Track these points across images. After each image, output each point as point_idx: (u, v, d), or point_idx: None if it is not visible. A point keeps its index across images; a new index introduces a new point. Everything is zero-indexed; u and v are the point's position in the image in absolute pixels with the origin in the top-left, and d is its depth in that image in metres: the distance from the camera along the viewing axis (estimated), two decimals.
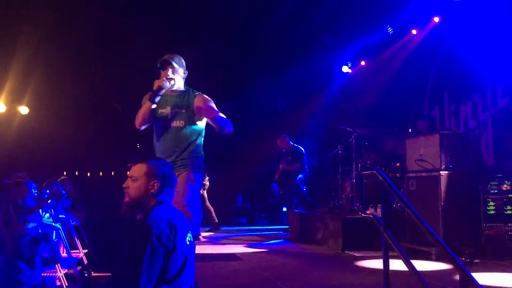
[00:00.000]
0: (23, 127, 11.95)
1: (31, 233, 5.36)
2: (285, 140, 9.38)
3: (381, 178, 3.78)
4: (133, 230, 2.49)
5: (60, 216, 9.34)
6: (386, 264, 3.61)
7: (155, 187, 2.58)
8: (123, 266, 2.41)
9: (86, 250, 8.38)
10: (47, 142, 13.09)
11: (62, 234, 8.28)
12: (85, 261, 7.20)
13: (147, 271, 2.34)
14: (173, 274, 2.45)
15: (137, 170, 2.60)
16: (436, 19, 8.58)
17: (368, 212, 6.68)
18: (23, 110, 11.81)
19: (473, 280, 2.64)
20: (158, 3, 10.19)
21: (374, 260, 5.67)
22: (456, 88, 8.17)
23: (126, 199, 2.60)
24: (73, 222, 10.21)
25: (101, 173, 17.33)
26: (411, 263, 3.31)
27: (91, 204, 13.03)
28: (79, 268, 7.12)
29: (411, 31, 9.23)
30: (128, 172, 2.66)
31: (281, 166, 9.32)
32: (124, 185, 2.62)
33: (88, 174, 17.00)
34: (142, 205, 2.57)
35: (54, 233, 8.31)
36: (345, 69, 11.15)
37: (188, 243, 2.56)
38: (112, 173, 17.29)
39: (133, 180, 2.59)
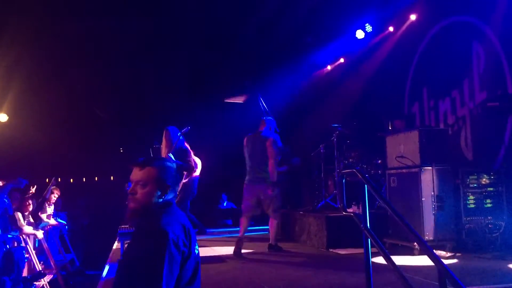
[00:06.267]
0: (2, 134, 11.78)
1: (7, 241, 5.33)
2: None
3: (360, 177, 3.81)
4: (148, 237, 2.34)
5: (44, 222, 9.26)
6: (367, 261, 3.65)
7: (167, 191, 2.46)
8: (141, 276, 2.26)
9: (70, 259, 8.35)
10: (28, 149, 12.95)
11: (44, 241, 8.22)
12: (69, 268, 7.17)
13: (166, 280, 2.23)
14: (186, 281, 2.36)
15: (146, 175, 2.43)
16: (413, 17, 8.70)
17: (351, 209, 6.73)
18: (2, 117, 11.65)
19: (451, 274, 2.67)
20: (139, 8, 10.15)
21: (358, 257, 5.70)
22: (435, 84, 8.29)
23: (133, 205, 2.43)
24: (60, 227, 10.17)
25: (84, 178, 17.19)
26: (391, 259, 3.34)
27: (74, 210, 12.94)
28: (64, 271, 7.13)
29: (389, 28, 9.35)
30: (131, 176, 2.47)
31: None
32: (130, 191, 2.44)
33: (71, 180, 16.84)
34: (151, 210, 2.42)
35: (37, 241, 8.26)
36: (328, 67, 11.26)
37: (197, 251, 2.47)
38: (96, 179, 17.17)
39: (142, 185, 2.42)
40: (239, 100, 11.13)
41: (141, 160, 2.49)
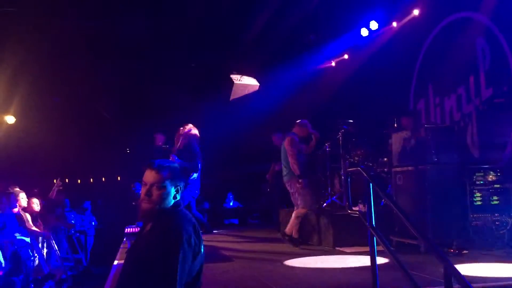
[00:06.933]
0: (10, 136, 11.86)
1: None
2: (280, 138, 9.33)
3: (365, 175, 3.81)
4: (162, 236, 2.45)
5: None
6: (373, 259, 3.65)
7: (179, 192, 2.60)
8: (156, 274, 2.36)
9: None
10: (35, 151, 13.02)
11: (53, 242, 8.27)
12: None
13: (180, 277, 2.34)
14: (192, 277, 2.47)
15: (162, 177, 2.55)
16: (418, 13, 8.67)
17: (357, 208, 6.72)
18: (10, 119, 11.72)
19: (457, 271, 2.66)
20: (141, 8, 10.18)
21: (364, 255, 5.69)
22: (441, 81, 8.25)
23: (149, 206, 2.53)
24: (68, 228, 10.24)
25: (91, 179, 17.27)
26: (397, 258, 3.34)
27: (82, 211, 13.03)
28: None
29: (393, 25, 9.33)
30: (146, 178, 2.57)
31: (277, 168, 9.23)
32: (145, 193, 2.55)
33: (79, 181, 16.92)
34: (165, 210, 2.54)
35: (45, 242, 8.32)
36: (333, 63, 11.26)
37: (203, 250, 2.57)
38: (103, 179, 17.25)
39: (158, 187, 2.53)
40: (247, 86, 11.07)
41: (156, 162, 2.60)
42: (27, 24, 9.90)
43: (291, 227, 6.85)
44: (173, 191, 2.58)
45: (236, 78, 10.28)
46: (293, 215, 6.88)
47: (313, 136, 7.30)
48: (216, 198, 13.08)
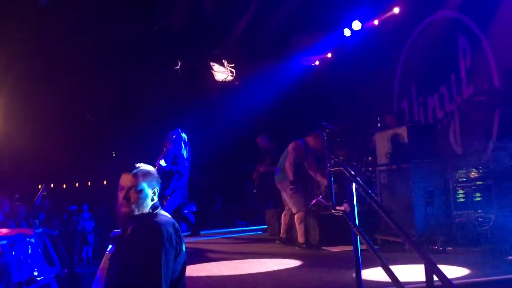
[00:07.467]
0: None
1: None
2: (265, 140, 9.34)
3: (348, 175, 3.84)
4: (143, 238, 2.49)
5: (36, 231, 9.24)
6: (357, 258, 3.68)
7: (157, 194, 2.66)
8: (140, 275, 2.40)
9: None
10: (20, 156, 12.90)
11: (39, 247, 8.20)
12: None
13: (164, 276, 2.39)
14: (176, 276, 2.50)
15: (139, 180, 2.60)
16: (399, 12, 8.73)
17: (342, 207, 6.74)
18: None
19: (437, 269, 2.69)
20: (127, 12, 10.15)
21: (349, 254, 5.70)
22: (423, 80, 8.33)
23: (127, 209, 2.57)
24: (53, 233, 10.16)
25: (77, 184, 17.15)
26: (380, 256, 3.37)
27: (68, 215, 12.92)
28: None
29: (375, 24, 9.38)
30: (123, 182, 2.62)
31: (262, 169, 9.22)
32: (123, 197, 2.58)
33: (64, 185, 16.79)
34: (144, 213, 2.59)
35: (30, 247, 8.23)
36: (317, 62, 11.32)
37: (184, 249, 2.61)
38: (89, 183, 17.15)
39: (135, 191, 2.58)
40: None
41: (132, 167, 2.66)
42: (12, 27, 9.81)
43: (300, 234, 6.75)
44: (150, 193, 2.63)
45: (221, 78, 10.30)
46: (295, 222, 6.80)
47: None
48: (204, 200, 13.06)
